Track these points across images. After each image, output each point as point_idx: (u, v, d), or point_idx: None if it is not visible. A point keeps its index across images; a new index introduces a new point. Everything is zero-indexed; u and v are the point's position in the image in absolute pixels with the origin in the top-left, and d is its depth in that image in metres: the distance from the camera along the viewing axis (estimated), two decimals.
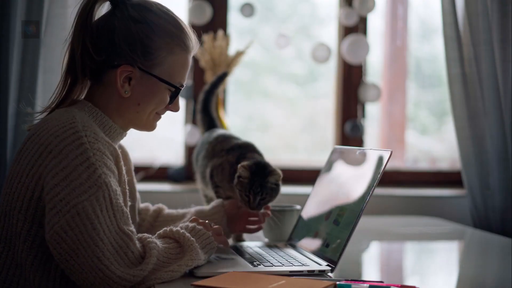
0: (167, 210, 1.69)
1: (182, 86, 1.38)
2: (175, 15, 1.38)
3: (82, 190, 1.18)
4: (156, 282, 1.22)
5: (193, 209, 1.66)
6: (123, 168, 1.33)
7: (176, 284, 1.23)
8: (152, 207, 1.69)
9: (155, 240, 1.26)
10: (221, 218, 1.58)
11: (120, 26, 1.31)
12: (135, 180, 1.59)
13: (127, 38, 1.30)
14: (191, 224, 1.34)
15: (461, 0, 2.40)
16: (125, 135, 1.41)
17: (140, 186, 2.35)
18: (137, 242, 1.23)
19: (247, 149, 1.63)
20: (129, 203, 1.35)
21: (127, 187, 1.35)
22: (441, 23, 2.36)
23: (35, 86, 1.94)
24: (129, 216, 1.25)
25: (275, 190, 1.53)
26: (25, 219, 1.24)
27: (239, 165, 1.53)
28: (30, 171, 1.23)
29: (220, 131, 1.81)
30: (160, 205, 1.70)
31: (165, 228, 1.32)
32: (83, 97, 1.37)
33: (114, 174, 1.26)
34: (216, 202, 1.64)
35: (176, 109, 1.41)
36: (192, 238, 1.29)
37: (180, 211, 1.68)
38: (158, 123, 1.43)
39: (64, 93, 1.35)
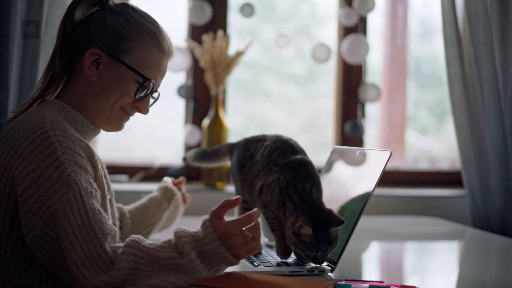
0: (125, 208, 1.67)
1: (151, 81, 1.35)
2: (156, 20, 1.40)
3: (54, 191, 1.17)
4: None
5: (144, 200, 1.69)
6: (99, 162, 1.32)
7: None
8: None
9: (140, 244, 1.15)
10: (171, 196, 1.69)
11: (98, 16, 1.35)
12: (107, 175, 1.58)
13: (101, 25, 1.33)
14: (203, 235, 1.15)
15: (461, 0, 2.40)
16: (98, 132, 1.40)
17: (140, 186, 2.36)
18: (107, 245, 1.15)
19: (300, 172, 1.41)
20: (108, 197, 1.34)
21: (104, 180, 1.34)
22: (441, 22, 2.36)
23: (35, 86, 1.93)
24: (103, 214, 1.20)
25: (337, 238, 1.33)
26: (5, 222, 1.23)
27: (296, 222, 1.31)
28: (3, 174, 1.23)
29: (276, 135, 1.55)
30: (119, 205, 1.65)
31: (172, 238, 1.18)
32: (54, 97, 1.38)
33: (87, 171, 1.24)
34: (161, 186, 1.74)
35: (144, 108, 1.39)
36: (196, 261, 1.13)
37: (136, 204, 1.69)
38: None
39: (41, 91, 1.36)
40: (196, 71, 2.60)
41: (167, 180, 1.76)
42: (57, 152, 1.20)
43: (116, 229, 1.24)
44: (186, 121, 2.62)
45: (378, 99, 2.70)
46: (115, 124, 1.39)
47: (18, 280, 1.24)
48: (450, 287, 1.45)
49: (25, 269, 1.24)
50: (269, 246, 1.57)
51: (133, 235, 1.18)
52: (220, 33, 2.44)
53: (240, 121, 2.87)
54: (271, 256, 1.44)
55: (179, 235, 1.15)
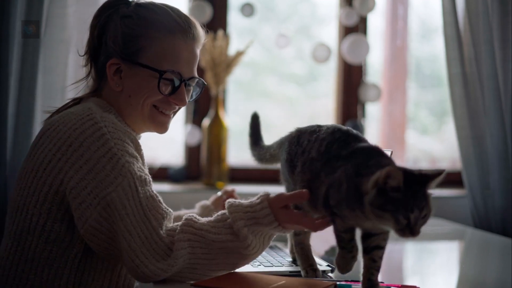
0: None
1: (173, 73, 1.32)
2: (170, 7, 1.36)
3: (109, 181, 1.18)
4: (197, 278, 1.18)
5: (196, 208, 1.68)
6: (144, 156, 1.33)
7: (176, 284, 1.22)
8: None
9: (194, 227, 1.19)
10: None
11: (109, 26, 1.34)
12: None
13: (112, 34, 1.33)
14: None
15: (461, 0, 2.40)
16: (139, 138, 1.41)
17: None
18: (162, 231, 1.18)
19: (372, 157, 1.12)
20: None
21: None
22: (441, 22, 2.36)
23: (35, 86, 1.93)
24: (159, 198, 1.23)
25: (430, 206, 1.06)
26: (40, 214, 1.24)
27: (381, 172, 1.02)
28: (47, 166, 1.24)
29: (333, 125, 1.24)
30: None
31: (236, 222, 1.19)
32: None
33: (138, 159, 1.25)
34: (213, 197, 1.68)
35: (179, 100, 1.35)
36: (253, 243, 1.19)
37: (182, 212, 1.69)
38: None
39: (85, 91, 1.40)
40: (196, 71, 2.59)
41: (219, 196, 1.71)
42: (109, 143, 1.21)
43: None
44: (186, 121, 2.62)
45: (378, 99, 2.70)
46: (155, 125, 1.37)
47: (48, 272, 1.25)
48: (450, 287, 1.45)
49: (55, 263, 1.25)
50: (269, 246, 1.56)
51: (187, 215, 1.21)
52: (220, 33, 2.45)
53: (240, 121, 2.87)
54: (271, 256, 1.44)
55: (234, 216, 1.18)
